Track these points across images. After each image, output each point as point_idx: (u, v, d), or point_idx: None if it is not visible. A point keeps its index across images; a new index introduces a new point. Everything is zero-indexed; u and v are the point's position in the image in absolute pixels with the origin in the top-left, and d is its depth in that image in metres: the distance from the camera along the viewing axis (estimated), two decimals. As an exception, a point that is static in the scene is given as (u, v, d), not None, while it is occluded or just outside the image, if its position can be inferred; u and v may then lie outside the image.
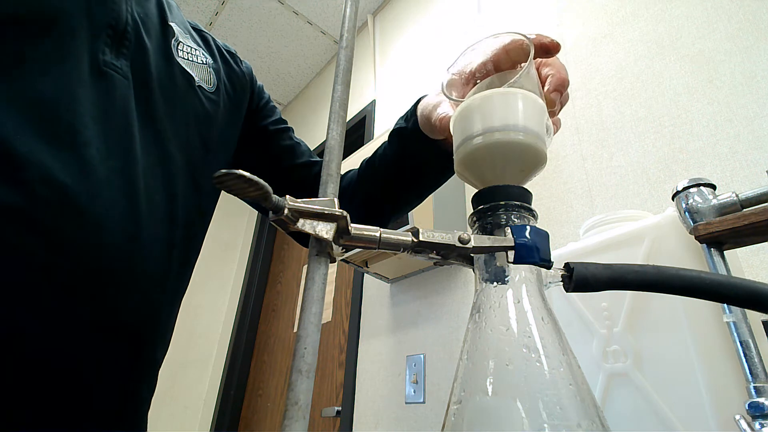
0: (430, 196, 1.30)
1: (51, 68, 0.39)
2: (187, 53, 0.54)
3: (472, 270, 0.29)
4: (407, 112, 0.55)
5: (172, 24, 0.54)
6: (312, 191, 0.51)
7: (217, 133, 0.56)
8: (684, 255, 0.53)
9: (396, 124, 0.57)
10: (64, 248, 0.36)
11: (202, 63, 0.56)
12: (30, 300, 0.35)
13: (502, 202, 0.28)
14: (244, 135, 0.66)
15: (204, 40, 0.62)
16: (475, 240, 0.26)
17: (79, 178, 0.38)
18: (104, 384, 0.40)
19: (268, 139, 0.68)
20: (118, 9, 0.45)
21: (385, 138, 1.20)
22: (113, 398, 0.41)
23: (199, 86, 0.54)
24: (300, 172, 0.68)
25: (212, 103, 0.56)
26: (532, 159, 0.29)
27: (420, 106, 0.52)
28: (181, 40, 0.54)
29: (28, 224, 0.35)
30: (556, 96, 0.38)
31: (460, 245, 0.26)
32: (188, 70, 0.53)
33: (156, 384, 0.49)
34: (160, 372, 0.48)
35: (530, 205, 0.28)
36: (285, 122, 0.72)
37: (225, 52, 0.64)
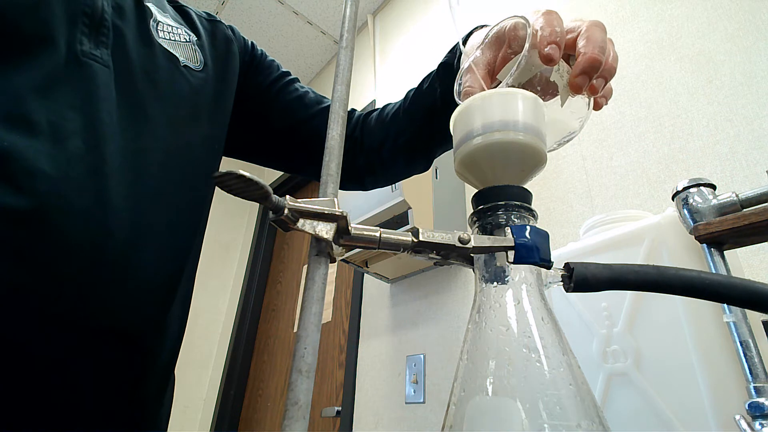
0: (430, 196, 1.30)
1: (24, 62, 0.38)
2: (168, 33, 0.52)
3: (472, 270, 0.29)
4: (458, 42, 0.51)
5: (148, 4, 0.52)
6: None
7: (210, 110, 0.55)
8: (684, 255, 0.53)
9: (445, 55, 0.55)
10: (53, 243, 0.36)
11: (185, 41, 0.54)
12: (21, 299, 0.34)
13: (502, 202, 0.28)
14: (245, 100, 0.64)
15: (184, 14, 0.60)
16: (475, 240, 0.26)
17: (65, 170, 0.37)
18: (101, 385, 0.39)
19: (272, 97, 0.66)
20: None
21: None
22: (112, 399, 0.40)
23: (185, 66, 0.52)
24: (313, 123, 0.66)
25: (201, 81, 0.54)
26: (532, 159, 0.29)
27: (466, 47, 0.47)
28: (159, 19, 0.52)
29: (14, 220, 0.34)
30: (583, 80, 0.33)
31: (460, 245, 0.26)
32: (171, 51, 0.51)
33: (167, 385, 0.48)
34: None
35: (530, 205, 0.28)
36: (288, 74, 0.69)
37: (206, 22, 0.62)
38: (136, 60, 0.47)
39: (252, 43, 0.68)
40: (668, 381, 0.49)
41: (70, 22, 0.42)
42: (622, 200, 1.02)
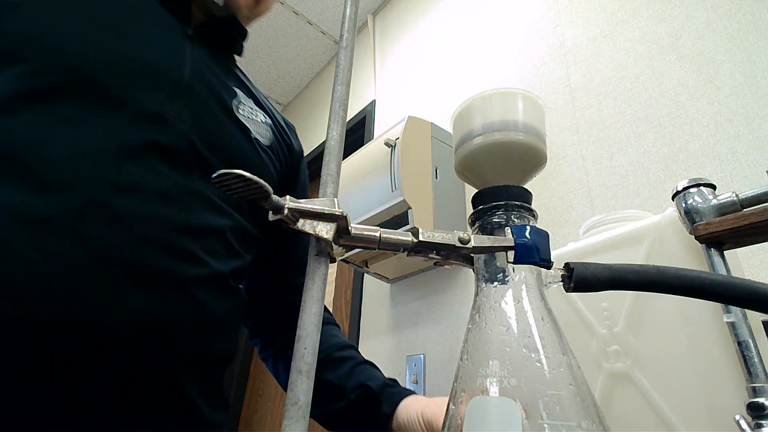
0: (430, 196, 1.30)
1: (105, 118, 0.44)
2: (248, 113, 0.60)
3: (472, 270, 0.29)
4: (392, 396, 0.57)
5: (236, 89, 0.60)
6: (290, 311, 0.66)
7: (270, 183, 0.59)
8: (684, 255, 0.53)
9: (377, 386, 0.58)
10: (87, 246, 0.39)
11: (261, 122, 0.61)
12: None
13: (502, 202, 0.28)
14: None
15: (266, 110, 0.67)
16: (475, 240, 0.26)
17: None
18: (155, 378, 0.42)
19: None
20: (181, 67, 0.52)
21: (386, 138, 1.21)
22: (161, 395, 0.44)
23: (255, 139, 0.59)
24: (289, 296, 0.70)
25: (266, 154, 0.60)
26: (532, 159, 0.29)
27: (408, 411, 0.54)
28: (243, 101, 0.60)
29: (41, 222, 0.38)
30: None
31: (460, 245, 0.26)
32: (246, 123, 0.58)
33: (206, 384, 0.50)
34: None
35: (530, 204, 0.28)
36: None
37: (284, 125, 0.70)
38: (211, 122, 0.53)
39: (304, 166, 0.75)
40: (668, 381, 0.49)
41: (155, 87, 0.49)
42: (622, 200, 1.02)
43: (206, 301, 0.47)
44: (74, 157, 0.41)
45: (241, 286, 0.56)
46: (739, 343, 0.45)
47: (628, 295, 0.55)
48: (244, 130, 0.58)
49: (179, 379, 0.44)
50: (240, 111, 0.58)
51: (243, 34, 0.67)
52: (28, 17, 0.45)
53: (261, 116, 0.62)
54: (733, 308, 0.46)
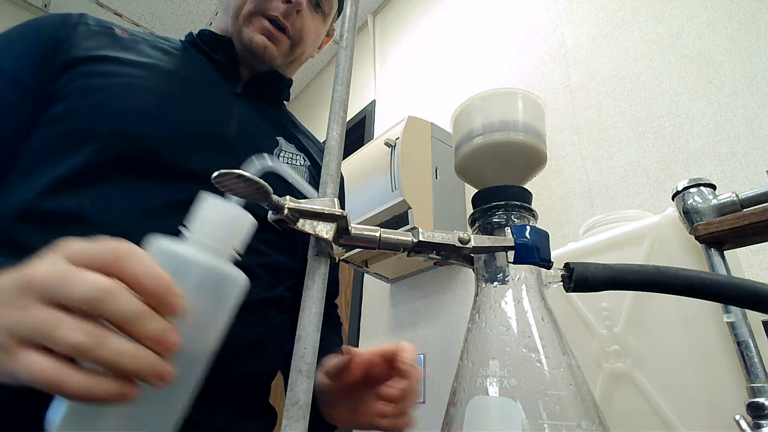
0: (430, 196, 1.30)
1: (160, 181, 0.50)
2: (288, 158, 0.65)
3: (472, 270, 0.29)
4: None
5: (279, 138, 0.66)
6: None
7: None
8: (684, 255, 0.53)
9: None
10: None
11: (300, 165, 0.67)
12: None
13: (502, 202, 0.28)
14: None
15: (307, 151, 0.71)
16: (475, 240, 0.26)
17: None
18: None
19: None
20: (227, 127, 0.57)
21: (386, 138, 1.23)
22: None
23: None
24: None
25: (302, 196, 0.62)
26: (532, 159, 0.29)
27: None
28: (284, 149, 0.66)
29: None
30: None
31: (460, 245, 0.26)
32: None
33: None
34: None
35: (530, 205, 0.28)
36: None
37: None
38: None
39: (342, 187, 0.78)
40: (668, 381, 0.49)
41: (204, 148, 0.55)
42: (622, 200, 1.02)
43: (231, 326, 0.51)
44: (129, 216, 0.47)
45: (277, 312, 0.59)
46: (739, 343, 0.45)
47: (628, 295, 0.55)
48: (281, 177, 0.63)
49: (199, 399, 0.47)
50: (280, 158, 0.65)
51: (287, 84, 0.73)
52: (105, 99, 0.52)
53: (301, 159, 0.69)
54: (733, 308, 0.46)
